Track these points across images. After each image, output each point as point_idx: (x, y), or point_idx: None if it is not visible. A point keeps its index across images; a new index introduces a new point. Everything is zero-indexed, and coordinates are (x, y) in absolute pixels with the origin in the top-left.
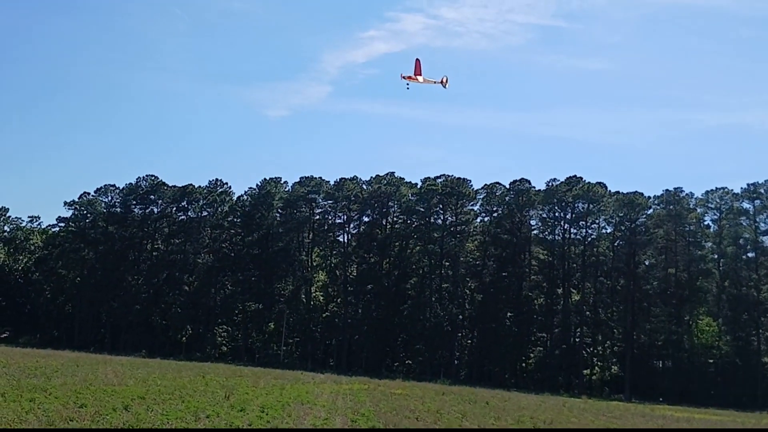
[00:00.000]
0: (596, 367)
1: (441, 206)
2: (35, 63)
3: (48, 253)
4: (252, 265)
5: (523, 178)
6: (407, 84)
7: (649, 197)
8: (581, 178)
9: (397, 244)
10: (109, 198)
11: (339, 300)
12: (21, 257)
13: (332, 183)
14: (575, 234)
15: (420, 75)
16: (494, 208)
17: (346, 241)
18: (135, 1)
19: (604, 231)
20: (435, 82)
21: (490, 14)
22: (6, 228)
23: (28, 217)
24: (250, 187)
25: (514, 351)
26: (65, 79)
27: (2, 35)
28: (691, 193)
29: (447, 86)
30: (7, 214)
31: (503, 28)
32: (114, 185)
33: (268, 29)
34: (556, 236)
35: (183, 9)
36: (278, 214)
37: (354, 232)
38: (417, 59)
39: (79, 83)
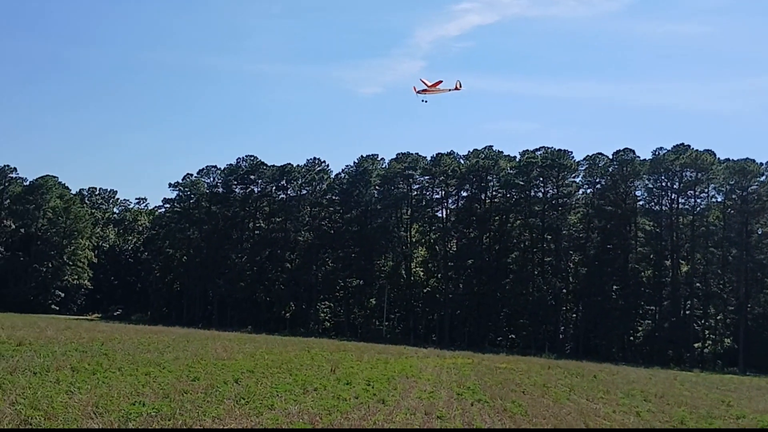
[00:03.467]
0: (708, 340)
1: (541, 179)
2: (137, 49)
3: (155, 233)
4: (352, 242)
5: (627, 148)
6: (424, 99)
7: (761, 164)
8: (689, 146)
9: (496, 218)
10: (211, 179)
11: (439, 275)
12: (130, 238)
13: (429, 159)
14: (683, 204)
15: (434, 86)
16: (597, 180)
17: (444, 216)
18: None
19: (714, 200)
20: (449, 90)
21: None
22: (115, 210)
23: (136, 198)
24: (348, 165)
25: (621, 324)
26: (166, 65)
27: (120, 23)
28: None
29: (461, 87)
30: (116, 197)
31: None
32: (215, 166)
33: (360, 7)
34: (663, 206)
35: None
36: (376, 191)
37: (453, 207)
38: (421, 80)
39: (179, 68)
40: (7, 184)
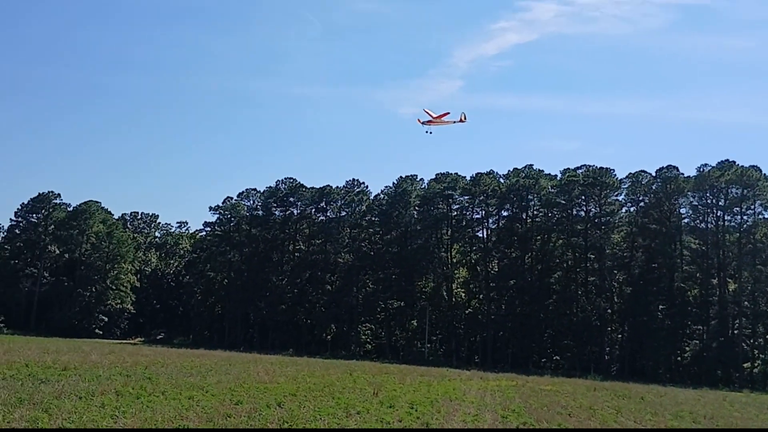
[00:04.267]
0: (757, 360)
1: (583, 197)
2: (177, 74)
3: (196, 256)
4: (392, 263)
5: (670, 165)
6: (428, 131)
7: None
8: (734, 162)
9: (538, 237)
10: (251, 201)
11: (481, 296)
12: (172, 261)
13: (468, 178)
14: (729, 221)
15: (439, 118)
16: (640, 198)
17: (485, 236)
18: (269, 9)
19: (761, 217)
20: (454, 122)
21: None
22: (157, 234)
23: (177, 222)
24: (387, 186)
25: (667, 345)
26: (206, 89)
27: (158, 47)
28: None
29: (466, 120)
30: (158, 221)
31: (642, 11)
32: (255, 189)
33: (397, 28)
34: (709, 224)
35: (314, 14)
36: (415, 212)
37: (493, 227)
38: (426, 111)
39: (218, 92)
40: (51, 209)
